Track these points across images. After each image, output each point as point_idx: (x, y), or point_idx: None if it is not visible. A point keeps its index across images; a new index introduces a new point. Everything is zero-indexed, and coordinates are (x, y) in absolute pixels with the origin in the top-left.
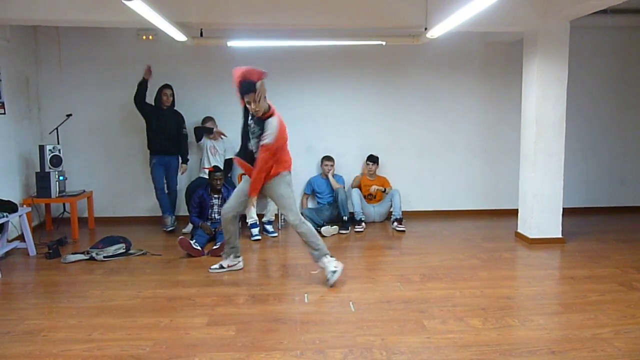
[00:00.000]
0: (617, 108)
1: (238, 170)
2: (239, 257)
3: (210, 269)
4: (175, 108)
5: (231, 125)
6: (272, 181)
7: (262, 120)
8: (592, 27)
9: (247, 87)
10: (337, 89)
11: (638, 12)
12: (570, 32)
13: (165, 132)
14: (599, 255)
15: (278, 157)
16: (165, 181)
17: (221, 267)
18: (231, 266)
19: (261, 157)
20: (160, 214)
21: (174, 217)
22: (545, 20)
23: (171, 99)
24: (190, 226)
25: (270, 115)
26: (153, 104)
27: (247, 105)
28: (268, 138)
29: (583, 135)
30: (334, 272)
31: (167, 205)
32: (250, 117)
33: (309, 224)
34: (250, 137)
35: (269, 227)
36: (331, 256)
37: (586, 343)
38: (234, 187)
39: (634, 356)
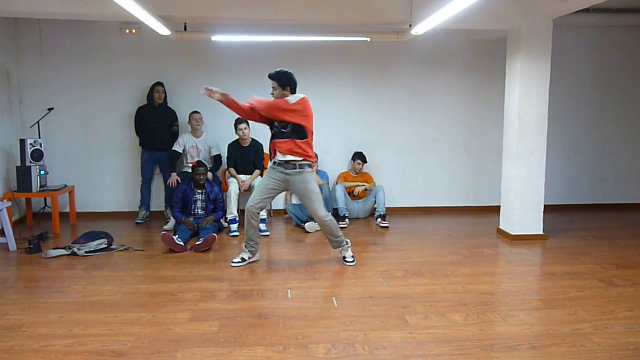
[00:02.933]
0: (598, 106)
1: (222, 166)
2: (255, 251)
3: (232, 262)
4: (168, 105)
5: (216, 120)
6: (302, 176)
7: None
8: (575, 25)
9: (280, 77)
10: (321, 84)
11: (620, 12)
12: (553, 30)
13: (159, 130)
14: (579, 252)
15: (308, 147)
16: (153, 175)
17: (243, 259)
18: (251, 258)
19: (263, 100)
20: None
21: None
22: (528, 18)
23: (163, 95)
24: (172, 222)
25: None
26: (146, 102)
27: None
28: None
29: (564, 132)
30: (349, 262)
31: (148, 199)
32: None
33: (333, 218)
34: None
35: (262, 226)
36: (348, 244)
37: (566, 338)
38: (219, 183)
39: (612, 351)
